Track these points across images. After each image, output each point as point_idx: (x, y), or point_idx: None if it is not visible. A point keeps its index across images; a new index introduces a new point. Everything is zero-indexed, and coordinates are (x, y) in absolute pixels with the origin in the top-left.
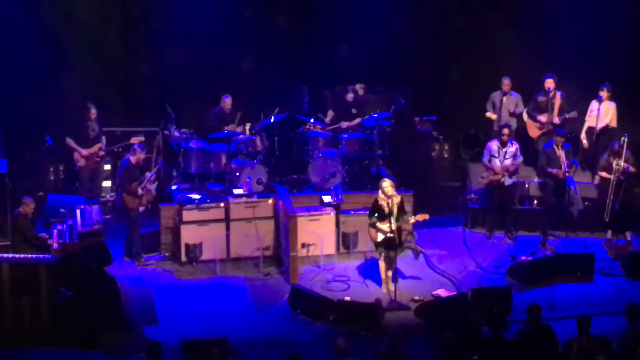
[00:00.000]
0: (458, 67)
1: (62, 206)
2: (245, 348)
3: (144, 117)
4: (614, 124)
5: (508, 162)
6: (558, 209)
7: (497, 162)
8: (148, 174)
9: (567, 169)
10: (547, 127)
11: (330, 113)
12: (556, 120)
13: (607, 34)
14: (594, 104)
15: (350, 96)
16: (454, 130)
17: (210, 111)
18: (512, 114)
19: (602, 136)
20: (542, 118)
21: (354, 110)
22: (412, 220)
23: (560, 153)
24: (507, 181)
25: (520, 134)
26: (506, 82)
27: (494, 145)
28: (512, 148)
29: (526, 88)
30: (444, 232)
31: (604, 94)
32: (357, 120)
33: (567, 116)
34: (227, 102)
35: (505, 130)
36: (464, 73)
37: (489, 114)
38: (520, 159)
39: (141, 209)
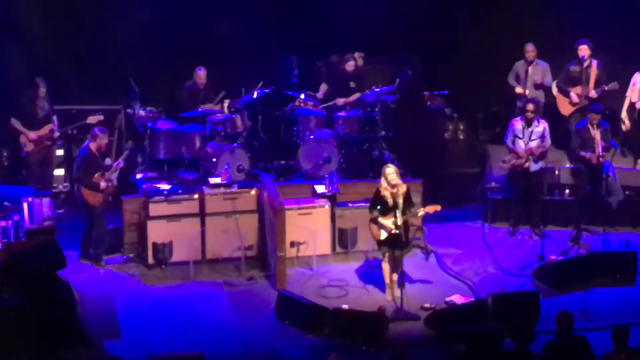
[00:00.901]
0: (475, 31)
1: (7, 199)
2: None
3: (103, 94)
4: None
5: (534, 143)
6: (594, 199)
7: (521, 144)
8: (109, 162)
9: (602, 153)
10: (581, 103)
11: (324, 87)
12: (592, 93)
13: None
14: (637, 76)
15: (350, 65)
16: (471, 106)
17: (182, 86)
18: (539, 87)
19: None
20: (575, 92)
21: (352, 84)
22: (420, 213)
23: (596, 133)
24: (533, 166)
25: (550, 111)
26: (530, 49)
27: (518, 124)
28: (539, 127)
29: (556, 56)
30: (459, 228)
31: None
32: (356, 96)
33: (606, 88)
34: (200, 75)
35: (531, 106)
36: (481, 39)
37: (518, 89)
38: (549, 140)
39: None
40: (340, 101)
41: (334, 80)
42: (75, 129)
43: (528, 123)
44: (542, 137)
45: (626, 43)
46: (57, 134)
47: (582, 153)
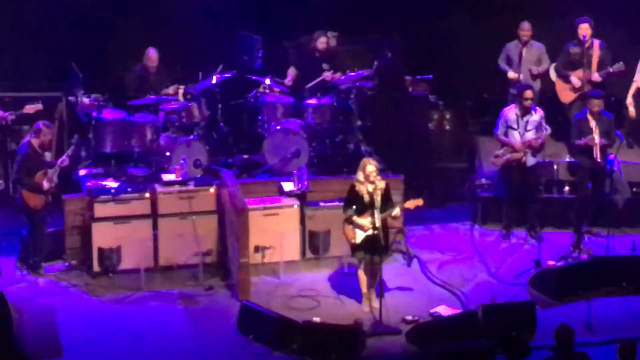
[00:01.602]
0: (462, 8)
1: None
2: None
3: (41, 79)
4: None
5: (530, 134)
6: (596, 198)
7: (516, 136)
8: (49, 157)
9: (599, 159)
10: (583, 88)
11: (292, 71)
12: (595, 77)
13: None
14: None
15: (322, 42)
16: (458, 93)
17: (130, 70)
18: (536, 77)
19: None
20: (576, 76)
21: (325, 66)
22: (396, 211)
23: (593, 123)
24: (530, 161)
25: (547, 98)
26: (526, 28)
27: (511, 113)
28: (536, 116)
29: (552, 37)
30: (446, 230)
31: None
32: (338, 75)
33: (611, 70)
34: (151, 56)
35: (528, 93)
36: (470, 17)
37: (511, 74)
38: (547, 131)
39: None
40: (328, 75)
41: (304, 63)
42: (11, 119)
43: (524, 112)
44: (538, 127)
45: (632, 21)
46: None
47: (578, 141)
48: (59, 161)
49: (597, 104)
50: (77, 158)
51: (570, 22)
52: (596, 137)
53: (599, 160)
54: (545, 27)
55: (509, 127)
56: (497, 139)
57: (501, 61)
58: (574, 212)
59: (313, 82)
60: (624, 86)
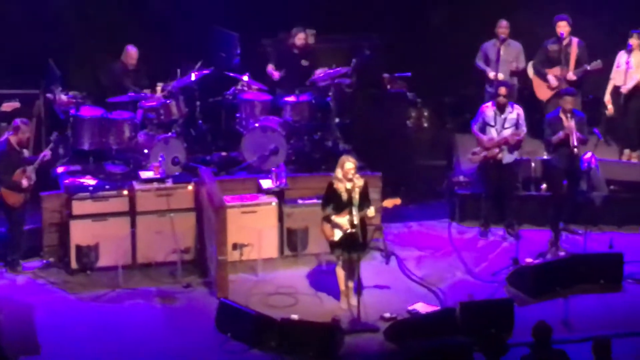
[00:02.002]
0: (441, 6)
1: None
2: None
3: (18, 76)
4: None
5: (508, 132)
6: (572, 196)
7: (493, 133)
8: (27, 154)
9: (576, 144)
10: (560, 86)
11: (271, 68)
12: (570, 75)
13: None
14: (621, 56)
15: (300, 38)
16: (437, 91)
17: (109, 66)
18: (514, 74)
19: (633, 98)
20: (553, 74)
21: (304, 62)
22: (373, 210)
23: (570, 124)
24: (507, 158)
25: (525, 96)
26: (504, 26)
27: (489, 110)
28: (513, 114)
29: (530, 35)
30: (424, 227)
31: (634, 42)
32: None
33: (588, 68)
34: (131, 54)
35: (503, 90)
36: (448, 14)
37: (491, 74)
38: (524, 128)
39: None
40: (320, 71)
41: (283, 60)
42: None
43: (501, 109)
44: (516, 124)
45: (610, 19)
46: None
47: (554, 137)
48: (41, 156)
49: (569, 102)
50: (55, 155)
51: (548, 20)
52: (572, 123)
53: (575, 144)
54: (523, 24)
55: (486, 124)
56: (474, 133)
57: (479, 60)
58: (550, 210)
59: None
60: (601, 84)
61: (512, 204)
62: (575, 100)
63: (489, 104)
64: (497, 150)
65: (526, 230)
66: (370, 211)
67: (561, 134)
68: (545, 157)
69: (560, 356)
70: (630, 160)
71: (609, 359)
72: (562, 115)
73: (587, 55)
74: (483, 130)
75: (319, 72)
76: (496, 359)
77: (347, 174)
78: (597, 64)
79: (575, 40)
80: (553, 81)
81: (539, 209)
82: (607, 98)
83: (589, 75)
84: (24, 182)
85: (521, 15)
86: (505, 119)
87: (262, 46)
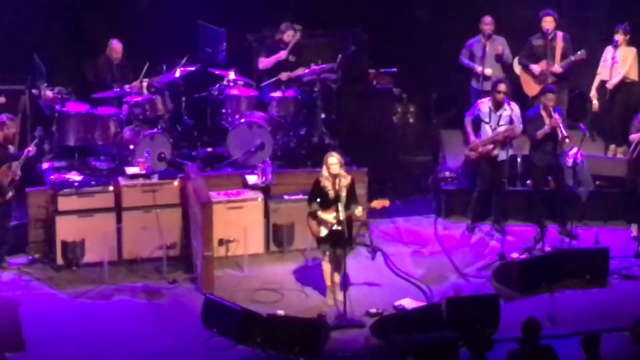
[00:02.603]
0: (425, 2)
1: None
2: None
3: (3, 71)
4: (633, 75)
5: (502, 129)
6: (559, 192)
7: (487, 129)
8: (12, 150)
9: (565, 134)
10: (547, 79)
11: (263, 58)
12: (557, 68)
13: None
14: (607, 51)
15: (289, 35)
16: (422, 86)
17: (93, 62)
18: (499, 59)
19: (619, 93)
20: (537, 67)
21: (291, 58)
22: (360, 209)
23: (556, 116)
24: (501, 155)
25: (512, 92)
26: (488, 22)
27: (484, 106)
28: (508, 111)
29: (517, 30)
30: (410, 223)
31: (620, 37)
32: (301, 70)
33: (573, 58)
34: (116, 48)
35: (501, 87)
36: (433, 10)
37: (479, 68)
38: (518, 126)
39: (10, 194)
40: (284, 76)
41: (270, 55)
42: None
43: (497, 106)
44: (510, 121)
45: (596, 14)
46: None
47: (539, 132)
48: (26, 151)
49: (551, 99)
50: (41, 151)
51: (533, 15)
52: (558, 119)
53: (565, 134)
54: (507, 20)
55: (480, 119)
56: (465, 126)
57: (464, 57)
58: (534, 206)
59: (269, 81)
60: (588, 79)
61: (501, 200)
62: (557, 97)
63: (486, 99)
64: (491, 146)
65: (512, 226)
66: (358, 210)
67: (547, 127)
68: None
69: (548, 352)
70: (616, 156)
71: (597, 354)
72: (542, 113)
73: (572, 49)
74: (477, 124)
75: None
76: (481, 355)
77: (330, 169)
78: (581, 53)
79: (560, 34)
80: (536, 69)
81: (525, 204)
82: (593, 93)
83: (574, 66)
84: (9, 175)
85: (506, 11)
86: (500, 116)
87: (247, 41)
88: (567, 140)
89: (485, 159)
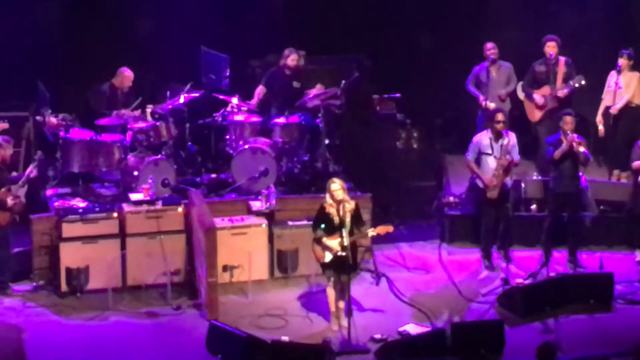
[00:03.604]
0: (428, 28)
1: None
2: None
3: (7, 98)
4: (638, 100)
5: (508, 157)
6: (572, 220)
7: (490, 161)
8: (17, 174)
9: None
10: (548, 105)
11: (261, 90)
12: (559, 92)
13: None
14: (611, 77)
15: (293, 59)
16: (426, 112)
17: (98, 88)
18: (503, 99)
19: (623, 118)
20: (541, 94)
21: (296, 84)
22: (370, 234)
23: (572, 135)
24: (509, 183)
25: (516, 117)
26: (490, 47)
27: (484, 138)
28: (510, 140)
29: (519, 56)
30: (414, 248)
31: (623, 62)
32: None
33: (571, 83)
34: (128, 77)
35: (499, 116)
36: (436, 37)
37: (483, 102)
38: (517, 157)
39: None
40: (312, 92)
41: (274, 81)
42: None
43: (497, 136)
44: (512, 150)
45: (600, 42)
46: None
47: (557, 151)
48: (27, 173)
49: (569, 122)
50: (45, 178)
51: (536, 40)
52: (574, 135)
53: (587, 153)
54: (511, 45)
55: (482, 153)
56: (469, 166)
57: (471, 84)
58: (543, 231)
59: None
60: (592, 105)
61: (508, 227)
62: (574, 120)
63: (483, 132)
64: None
65: (516, 251)
66: (371, 231)
67: (564, 146)
68: (535, 177)
69: None
70: (620, 180)
71: None
72: (563, 138)
73: (574, 73)
74: (478, 161)
75: (311, 93)
76: None
77: (334, 195)
78: (579, 79)
79: (562, 59)
80: (539, 100)
81: (529, 229)
82: (599, 118)
83: (575, 91)
84: (9, 201)
85: (510, 36)
86: (502, 145)
87: (251, 67)
88: (583, 158)
89: (488, 198)
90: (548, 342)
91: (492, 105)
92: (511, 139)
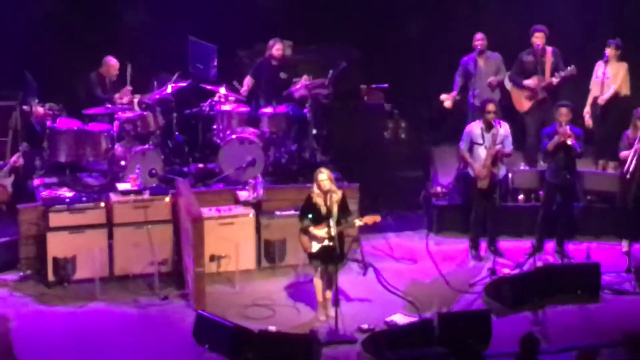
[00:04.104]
0: (417, 18)
1: None
2: None
3: None
4: (625, 90)
5: (499, 147)
6: (565, 211)
7: (481, 151)
8: (2, 163)
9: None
10: (538, 94)
11: (249, 80)
12: (553, 80)
13: None
14: (599, 67)
15: (278, 49)
16: (414, 102)
17: (85, 78)
18: (493, 86)
19: (609, 109)
20: (530, 82)
21: (282, 75)
22: (358, 223)
23: (564, 128)
24: (502, 172)
25: (504, 108)
26: (479, 38)
27: (476, 128)
28: (502, 130)
29: (508, 47)
30: (401, 238)
31: (610, 52)
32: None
33: (563, 74)
34: (113, 65)
35: (490, 107)
36: (425, 27)
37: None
38: (509, 148)
39: None
40: (301, 83)
41: (260, 72)
42: None
43: (488, 126)
44: (505, 140)
45: (586, 29)
46: None
47: (550, 143)
48: (11, 162)
49: (564, 114)
50: (32, 168)
51: (524, 30)
52: (567, 128)
53: (577, 145)
54: (499, 36)
55: (474, 143)
56: (462, 155)
57: (459, 76)
58: (537, 222)
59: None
60: (579, 96)
61: (498, 217)
62: (569, 112)
63: (475, 122)
64: (484, 175)
65: (503, 241)
66: (359, 221)
67: (557, 138)
68: (522, 167)
69: None
70: (607, 171)
71: None
72: (558, 129)
73: (562, 63)
74: (471, 150)
75: (298, 83)
76: None
77: (321, 185)
78: (571, 69)
79: (549, 49)
80: (531, 84)
81: (516, 220)
82: (587, 109)
83: (566, 81)
84: None
85: (498, 26)
86: (493, 135)
87: (238, 57)
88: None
89: (478, 188)
90: (531, 332)
91: (448, 104)
92: (504, 129)
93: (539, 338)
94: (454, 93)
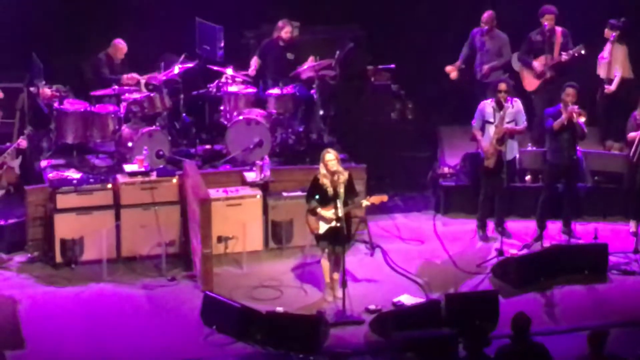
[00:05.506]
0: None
1: None
2: None
3: (1, 69)
4: (627, 73)
5: (509, 126)
6: (570, 192)
7: (492, 131)
8: (9, 144)
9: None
10: (546, 74)
11: (255, 61)
12: (563, 57)
13: None
14: (607, 49)
15: (287, 31)
16: (421, 83)
17: (94, 59)
18: (484, 75)
19: (617, 90)
20: (538, 64)
21: (289, 56)
22: (365, 203)
23: (571, 108)
24: (509, 155)
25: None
26: (486, 16)
27: (488, 106)
28: (513, 109)
29: (516, 26)
30: (409, 219)
31: (608, 32)
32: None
33: (571, 52)
34: (121, 48)
35: (502, 86)
36: (432, 7)
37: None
38: (525, 122)
39: (0, 192)
40: (306, 64)
41: (268, 52)
42: None
43: (500, 105)
44: (517, 118)
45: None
46: None
47: (556, 122)
48: (15, 144)
49: (571, 94)
50: (39, 149)
51: (533, 10)
52: (575, 107)
53: (583, 125)
54: (507, 15)
55: (486, 121)
56: (473, 133)
57: (465, 46)
58: (538, 204)
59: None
60: (584, 76)
61: (506, 199)
62: (575, 93)
63: (488, 100)
64: (491, 152)
65: (511, 222)
66: (364, 202)
67: (563, 117)
68: (530, 147)
69: (539, 349)
70: (613, 151)
71: (602, 350)
72: (563, 110)
73: (571, 43)
74: (483, 128)
75: (305, 64)
76: (478, 351)
77: (328, 165)
78: (579, 48)
79: (559, 29)
80: (539, 67)
81: (524, 200)
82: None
83: (574, 60)
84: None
85: (506, 6)
86: (505, 115)
87: (245, 38)
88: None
89: (485, 167)
90: (521, 312)
91: (454, 75)
92: (516, 105)
93: (530, 318)
94: (459, 63)
